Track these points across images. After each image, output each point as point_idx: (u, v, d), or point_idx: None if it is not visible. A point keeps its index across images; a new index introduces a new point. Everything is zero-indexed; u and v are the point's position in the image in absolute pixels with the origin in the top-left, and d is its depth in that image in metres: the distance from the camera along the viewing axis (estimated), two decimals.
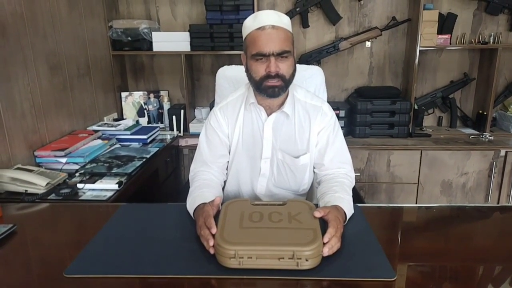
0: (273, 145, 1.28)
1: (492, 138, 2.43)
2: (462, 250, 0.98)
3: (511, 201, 2.38)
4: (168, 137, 2.36)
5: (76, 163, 1.69)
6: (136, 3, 2.61)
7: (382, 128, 2.47)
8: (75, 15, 2.09)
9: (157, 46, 2.45)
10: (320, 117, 1.27)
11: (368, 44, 2.60)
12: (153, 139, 2.26)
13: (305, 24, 2.54)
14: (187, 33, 2.43)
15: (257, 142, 1.28)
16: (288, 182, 1.33)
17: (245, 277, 0.82)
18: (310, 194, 1.44)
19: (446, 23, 2.47)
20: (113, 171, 1.61)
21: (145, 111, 2.66)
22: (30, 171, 1.51)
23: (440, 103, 2.64)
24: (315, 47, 2.61)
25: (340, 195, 1.11)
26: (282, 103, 1.24)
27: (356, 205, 1.13)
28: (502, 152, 2.32)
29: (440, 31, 2.44)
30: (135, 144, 2.11)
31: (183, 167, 2.54)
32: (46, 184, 1.43)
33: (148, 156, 1.84)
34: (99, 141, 1.94)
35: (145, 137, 2.14)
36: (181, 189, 2.10)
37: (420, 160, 2.35)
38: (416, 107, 2.52)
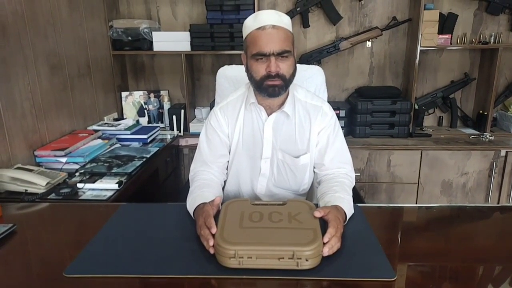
0: (273, 145, 1.28)
1: (492, 138, 2.43)
2: (462, 250, 0.98)
3: (511, 201, 2.38)
4: (168, 136, 2.36)
5: (76, 163, 1.69)
6: (136, 3, 2.61)
7: (382, 128, 2.47)
8: (75, 15, 2.09)
9: (158, 46, 2.45)
10: (321, 117, 1.27)
11: (368, 44, 2.60)
12: (153, 139, 2.26)
13: (305, 24, 2.54)
14: (188, 33, 2.43)
15: (257, 142, 1.28)
16: (288, 182, 1.33)
17: (245, 277, 0.82)
18: (310, 194, 1.44)
19: (446, 23, 2.47)
20: (113, 171, 1.61)
21: (145, 110, 2.66)
22: (30, 170, 1.51)
23: (440, 103, 2.64)
24: (315, 47, 2.61)
25: (340, 195, 1.11)
26: (283, 103, 1.24)
27: (356, 205, 1.13)
28: (503, 152, 2.32)
29: (440, 31, 2.44)
30: (135, 144, 2.11)
31: (183, 167, 2.54)
32: (46, 184, 1.43)
33: (148, 156, 1.84)
34: (99, 141, 1.94)
35: (145, 136, 2.14)
36: (181, 189, 2.10)
37: (421, 160, 2.35)
38: (416, 107, 2.52)
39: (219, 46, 2.43)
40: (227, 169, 1.34)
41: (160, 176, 2.09)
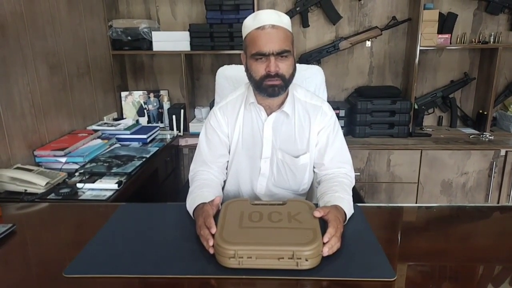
0: (273, 144, 1.28)
1: (492, 137, 2.43)
2: (462, 250, 0.98)
3: (511, 201, 2.38)
4: (168, 136, 2.36)
5: (76, 163, 1.69)
6: (136, 3, 2.60)
7: (382, 128, 2.47)
8: (75, 14, 2.09)
9: (157, 46, 2.45)
10: (320, 117, 1.27)
11: (368, 43, 2.59)
12: (153, 139, 2.26)
13: (305, 23, 2.54)
14: (187, 33, 2.43)
15: (257, 141, 1.28)
16: (288, 181, 1.33)
17: (244, 277, 0.82)
18: (310, 194, 1.44)
19: (446, 23, 2.47)
20: (112, 171, 1.60)
21: (145, 110, 2.65)
22: (30, 170, 1.50)
23: (440, 103, 2.64)
24: (315, 46, 2.60)
25: (340, 195, 1.11)
26: (282, 103, 1.24)
27: (356, 205, 1.13)
28: (502, 152, 2.32)
29: (440, 31, 2.44)
30: (135, 144, 2.11)
31: (183, 167, 2.54)
32: (46, 184, 1.42)
33: (148, 155, 1.84)
34: (99, 141, 1.94)
35: (145, 136, 2.14)
36: (181, 189, 2.10)
37: (420, 160, 2.35)
38: (416, 106, 2.52)
39: (218, 46, 2.43)
40: (226, 169, 1.34)
41: (159, 176, 2.09)
